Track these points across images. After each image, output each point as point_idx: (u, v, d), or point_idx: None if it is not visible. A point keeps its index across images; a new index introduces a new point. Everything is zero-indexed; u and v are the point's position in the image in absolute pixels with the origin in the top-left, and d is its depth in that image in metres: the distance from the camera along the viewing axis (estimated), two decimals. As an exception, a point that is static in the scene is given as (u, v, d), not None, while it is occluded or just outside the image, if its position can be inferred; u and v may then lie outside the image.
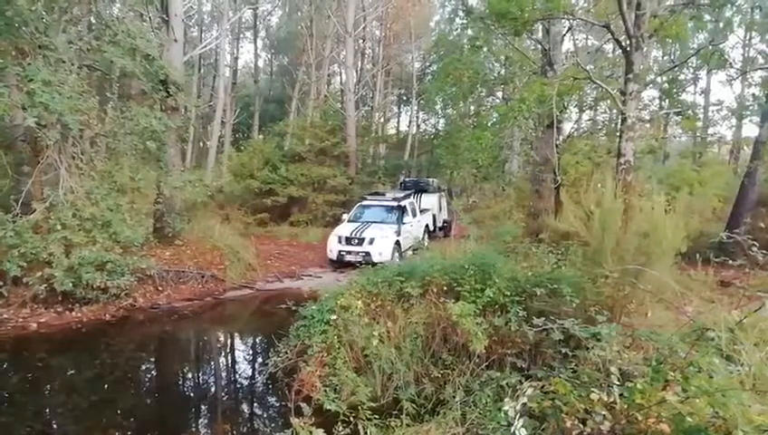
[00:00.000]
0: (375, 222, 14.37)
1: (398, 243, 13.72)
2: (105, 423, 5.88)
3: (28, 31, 8.66)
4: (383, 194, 16.25)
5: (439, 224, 18.58)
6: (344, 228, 14.13)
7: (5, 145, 9.80)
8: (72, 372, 7.37)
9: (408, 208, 15.33)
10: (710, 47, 13.65)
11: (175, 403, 6.75)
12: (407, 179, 20.60)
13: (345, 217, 15.38)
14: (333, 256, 13.67)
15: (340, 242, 13.68)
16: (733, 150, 23.59)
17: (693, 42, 16.54)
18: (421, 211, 17.01)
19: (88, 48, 9.91)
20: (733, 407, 3.11)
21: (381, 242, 13.31)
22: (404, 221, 14.49)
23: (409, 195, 16.49)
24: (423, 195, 18.33)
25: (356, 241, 13.50)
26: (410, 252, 13.30)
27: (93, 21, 11.82)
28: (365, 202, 15.83)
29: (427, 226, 16.66)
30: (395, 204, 15.11)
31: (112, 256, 9.15)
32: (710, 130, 22.33)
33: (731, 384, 3.39)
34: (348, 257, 13.31)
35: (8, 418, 5.92)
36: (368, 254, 12.93)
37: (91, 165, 9.65)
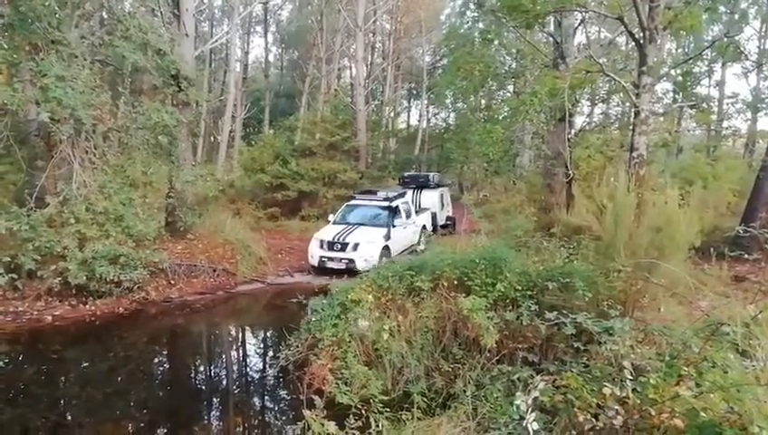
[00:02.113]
0: (362, 225, 12.96)
1: (386, 248, 12.45)
2: (118, 415, 5.95)
3: (41, 26, 8.72)
4: (375, 193, 14.60)
5: (442, 222, 17.20)
6: (327, 232, 12.79)
7: (20, 140, 9.88)
8: (86, 364, 7.46)
9: (402, 209, 13.87)
10: (725, 39, 13.47)
11: (187, 396, 6.81)
12: (406, 175, 18.86)
13: (331, 217, 13.90)
14: (314, 262, 12.33)
15: (321, 247, 12.32)
16: (748, 144, 23.26)
17: (707, 34, 16.32)
18: (419, 211, 15.91)
19: (100, 43, 10.00)
20: (748, 402, 3.08)
21: (367, 248, 11.96)
22: (395, 224, 13.11)
23: (404, 194, 15.11)
24: (423, 191, 17.17)
25: (338, 247, 12.12)
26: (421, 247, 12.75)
27: (105, 16, 11.89)
28: (353, 202, 14.38)
29: (424, 226, 15.32)
30: (385, 204, 13.62)
31: (125, 250, 9.24)
32: (725, 124, 22.07)
33: (746, 379, 3.36)
34: (329, 264, 12.01)
35: (24, 409, 6.01)
36: (351, 261, 11.75)
37: (103, 159, 9.72)
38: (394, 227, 13.01)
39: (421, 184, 17.33)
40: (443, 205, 17.81)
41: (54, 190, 9.27)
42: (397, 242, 12.93)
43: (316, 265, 12.27)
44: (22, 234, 8.37)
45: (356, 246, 11.97)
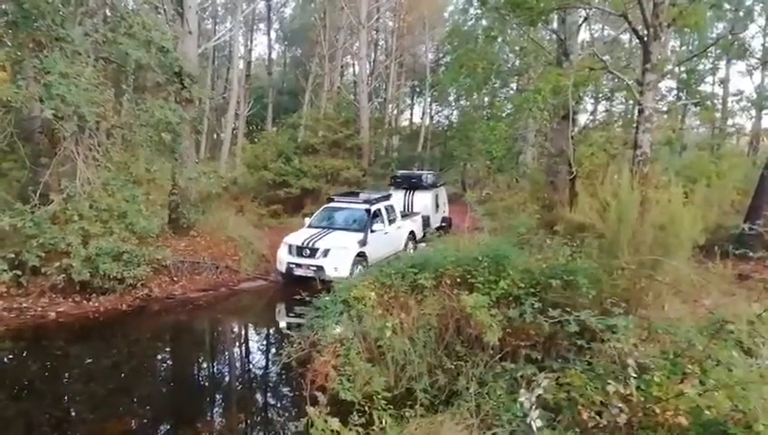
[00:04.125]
0: (338, 229, 11.97)
1: (362, 255, 11.30)
2: (122, 411, 5.98)
3: (45, 23, 8.73)
4: (357, 194, 13.60)
5: (436, 224, 15.77)
6: (297, 236, 11.59)
7: (23, 137, 9.88)
8: (90, 360, 7.49)
9: (383, 213, 12.68)
10: (730, 36, 13.42)
11: (190, 392, 6.82)
12: (398, 174, 17.40)
13: (307, 220, 12.85)
14: (282, 268, 11.28)
15: (290, 253, 11.20)
16: (752, 141, 23.16)
17: (712, 31, 16.25)
18: (407, 215, 14.62)
19: (103, 40, 9.97)
20: (753, 400, 3.08)
21: (337, 254, 10.82)
22: (373, 229, 11.93)
23: (388, 196, 13.90)
24: (416, 192, 15.81)
25: (307, 252, 10.96)
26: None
27: (109, 13, 11.89)
28: (331, 204, 13.18)
29: (412, 232, 13.99)
30: (364, 207, 12.41)
31: (128, 247, 9.26)
32: (729, 122, 21.98)
33: (751, 378, 3.35)
34: (297, 271, 10.92)
35: (28, 405, 6.04)
36: (320, 268, 10.64)
37: (107, 156, 9.74)
38: (372, 232, 11.89)
39: (414, 185, 16.06)
40: (437, 206, 16.59)
41: (58, 187, 9.28)
42: (376, 249, 11.71)
43: (284, 271, 11.26)
44: (26, 230, 8.40)
45: (326, 253, 10.87)
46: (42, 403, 6.06)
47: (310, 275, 10.56)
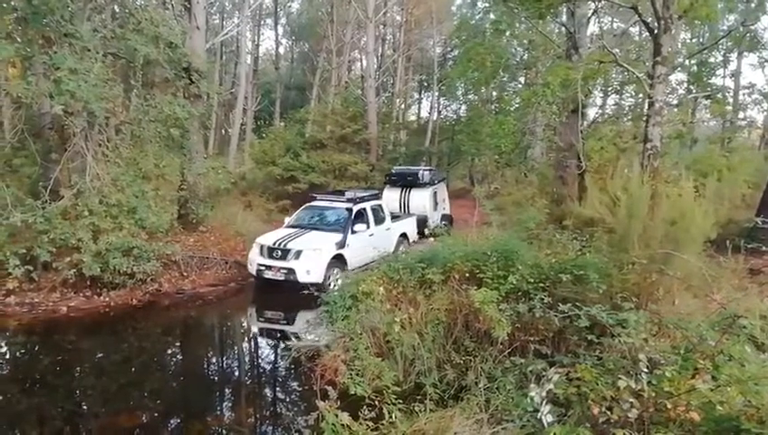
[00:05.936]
0: (315, 229, 11.10)
1: (340, 258, 10.50)
2: (133, 405, 6.03)
3: (54, 19, 8.75)
4: (343, 192, 12.65)
5: (435, 223, 14.15)
6: (270, 236, 10.79)
7: (34, 133, 9.97)
8: (101, 355, 7.55)
9: (369, 213, 11.79)
10: (741, 28, 13.27)
11: (200, 386, 6.86)
12: (393, 171, 16.41)
13: (287, 219, 12.08)
14: (252, 270, 10.50)
15: (261, 253, 10.38)
16: (764, 135, 22.94)
17: (723, 23, 16.09)
18: (397, 217, 13.58)
19: (112, 36, 10.01)
20: (766, 396, 3.06)
21: (310, 256, 9.95)
22: (355, 230, 10.98)
23: (376, 195, 13.10)
24: (412, 190, 15.00)
25: (279, 253, 10.12)
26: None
27: (117, 9, 11.92)
28: (313, 203, 12.34)
29: (404, 234, 13.09)
30: (346, 206, 11.55)
31: (138, 242, 9.32)
32: (740, 115, 21.75)
33: (764, 373, 3.32)
34: (267, 274, 10.13)
35: (40, 399, 6.10)
36: (291, 271, 9.85)
37: (116, 152, 9.78)
38: (354, 233, 10.96)
39: (410, 182, 15.15)
40: (436, 204, 15.64)
41: (68, 183, 9.35)
42: (357, 251, 10.79)
43: (254, 273, 10.49)
44: (37, 226, 8.46)
45: (298, 254, 10.00)
46: (54, 397, 6.11)
47: (280, 278, 9.96)
